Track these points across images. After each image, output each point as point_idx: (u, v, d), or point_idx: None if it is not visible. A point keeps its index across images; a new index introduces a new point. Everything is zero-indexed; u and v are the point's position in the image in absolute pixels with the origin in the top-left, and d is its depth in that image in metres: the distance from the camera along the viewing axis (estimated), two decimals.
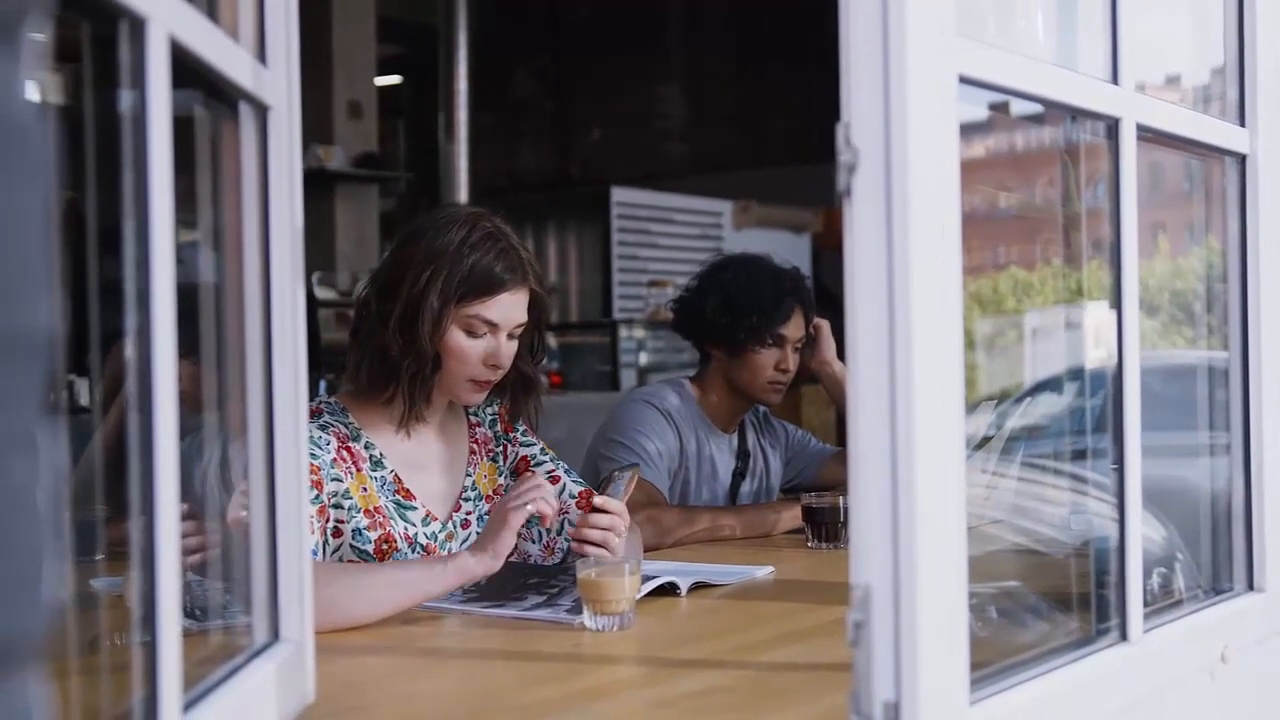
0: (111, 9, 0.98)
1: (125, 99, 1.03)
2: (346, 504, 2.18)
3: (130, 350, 1.03)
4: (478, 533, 2.33)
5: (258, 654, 1.36)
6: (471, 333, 2.23)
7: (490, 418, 2.47)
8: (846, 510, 2.71)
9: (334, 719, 1.49)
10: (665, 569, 2.23)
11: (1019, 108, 1.59)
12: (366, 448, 2.27)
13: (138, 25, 1.01)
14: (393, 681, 1.71)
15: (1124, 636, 1.55)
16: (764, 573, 2.40)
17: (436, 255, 2.21)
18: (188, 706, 1.10)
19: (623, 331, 7.61)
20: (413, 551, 2.25)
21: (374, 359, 2.25)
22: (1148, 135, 1.62)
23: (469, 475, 2.39)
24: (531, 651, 1.82)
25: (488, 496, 2.40)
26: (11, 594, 0.54)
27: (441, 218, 2.28)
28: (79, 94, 1.07)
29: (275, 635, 1.40)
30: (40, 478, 0.56)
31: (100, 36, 1.04)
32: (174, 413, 1.04)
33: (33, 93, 0.58)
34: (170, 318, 1.04)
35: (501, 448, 2.45)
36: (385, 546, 2.21)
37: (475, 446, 2.42)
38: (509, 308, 2.25)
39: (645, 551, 2.67)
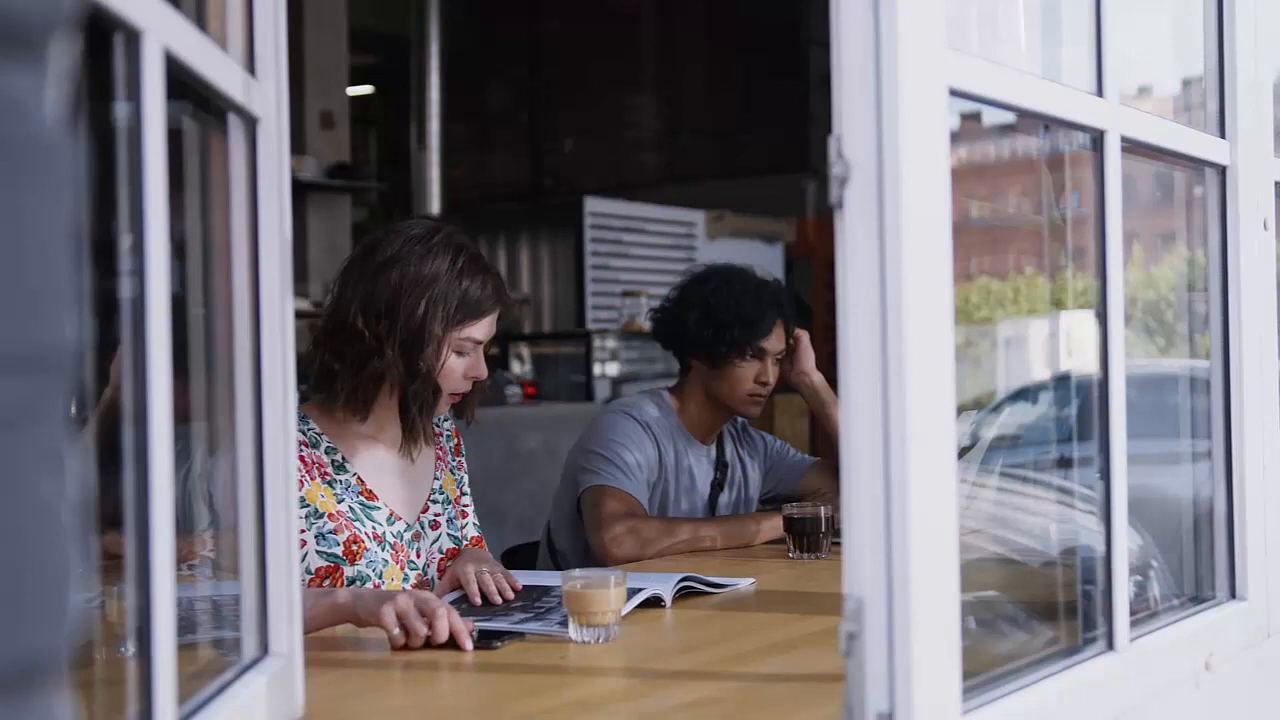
0: (107, 21, 0.97)
1: (120, 110, 1.03)
2: (303, 511, 2.20)
3: (124, 362, 1.03)
4: (447, 534, 2.43)
5: (248, 668, 1.35)
6: (460, 353, 2.32)
7: (446, 433, 2.55)
8: (828, 520, 2.72)
9: None
10: (648, 580, 2.23)
11: (990, 118, 1.60)
12: (328, 453, 2.31)
13: (133, 37, 1.00)
14: (380, 695, 1.70)
15: (1111, 645, 1.56)
16: (746, 584, 2.40)
17: (429, 283, 2.27)
18: None
19: (596, 342, 7.60)
20: (382, 550, 2.29)
21: (371, 383, 2.29)
22: (1130, 147, 1.63)
23: (436, 479, 2.46)
24: (518, 664, 1.81)
25: (454, 501, 2.49)
26: (42, 613, 0.54)
27: (414, 240, 2.31)
28: (72, 105, 1.07)
29: (265, 649, 1.39)
30: (66, 495, 0.56)
31: (93, 47, 1.03)
32: (168, 425, 1.04)
33: (58, 109, 0.58)
34: (165, 329, 1.03)
35: (456, 463, 2.55)
36: (354, 547, 2.26)
37: (440, 454, 2.50)
38: (491, 325, 2.36)
39: (626, 563, 2.67)
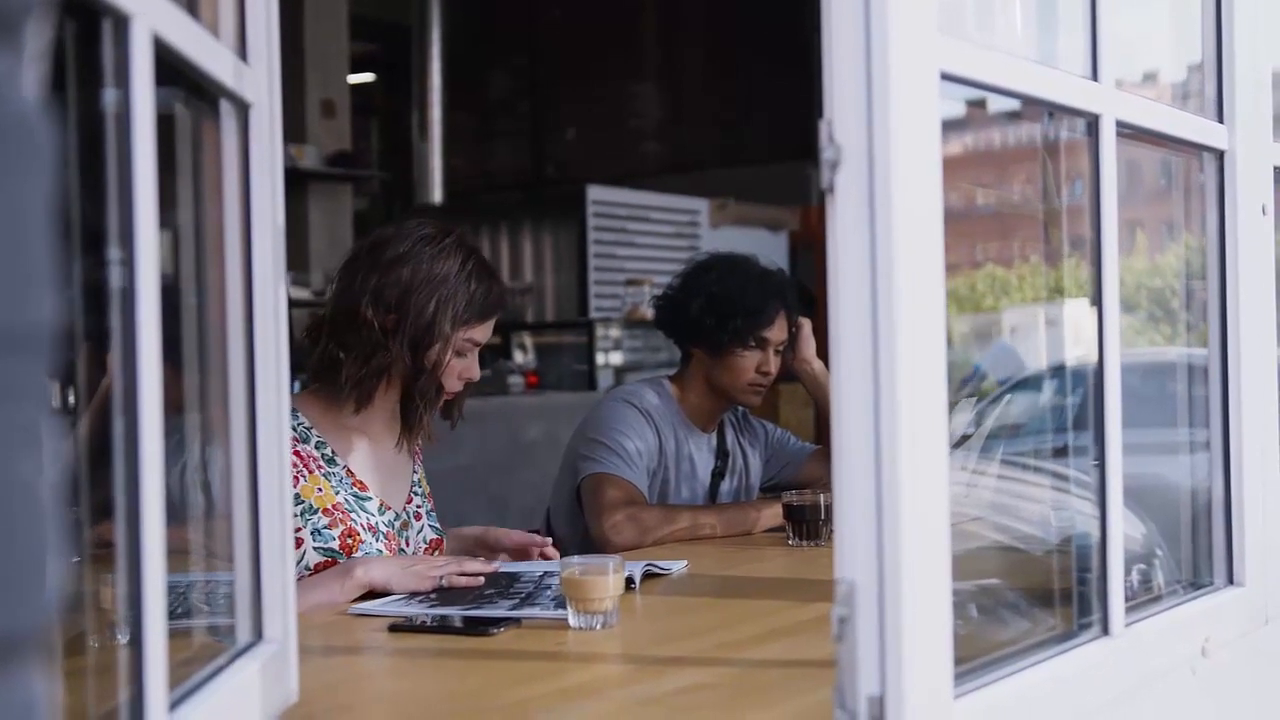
0: (95, 6, 0.97)
1: (108, 96, 1.03)
2: (299, 508, 2.22)
3: (113, 351, 1.03)
4: (430, 525, 2.49)
5: (241, 653, 1.35)
6: (460, 353, 2.36)
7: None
8: (827, 508, 2.72)
9: (317, 719, 1.48)
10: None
11: (996, 105, 1.60)
12: (317, 447, 2.34)
13: (121, 22, 1.00)
14: (376, 681, 1.71)
15: (1106, 630, 1.56)
16: (678, 567, 2.42)
17: (440, 282, 2.31)
18: (173, 706, 1.10)
19: (599, 331, 7.60)
20: (376, 540, 2.33)
21: (376, 375, 2.32)
22: (1127, 132, 1.63)
23: (415, 472, 2.51)
24: (514, 650, 1.81)
25: (428, 495, 2.54)
26: (19, 589, 0.54)
27: (425, 240, 2.34)
28: (60, 91, 1.07)
29: (259, 635, 1.39)
30: (44, 472, 0.56)
31: (82, 33, 1.03)
32: (159, 414, 1.04)
33: (35, 90, 0.58)
34: (155, 318, 1.03)
35: (421, 460, 2.59)
36: (350, 541, 2.29)
37: (417, 449, 2.54)
38: (490, 329, 2.41)
39: (626, 551, 2.68)
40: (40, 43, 0.60)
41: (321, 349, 2.33)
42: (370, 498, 2.36)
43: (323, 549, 2.25)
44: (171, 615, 1.17)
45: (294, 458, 2.26)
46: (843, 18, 1.19)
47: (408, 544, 2.41)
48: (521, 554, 2.47)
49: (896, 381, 1.18)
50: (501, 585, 2.18)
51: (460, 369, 2.37)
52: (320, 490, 2.29)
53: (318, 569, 2.24)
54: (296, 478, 2.25)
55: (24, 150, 0.56)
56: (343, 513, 2.29)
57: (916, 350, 1.21)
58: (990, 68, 1.39)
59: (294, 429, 2.31)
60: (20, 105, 0.56)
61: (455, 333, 2.32)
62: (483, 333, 2.38)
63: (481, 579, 2.19)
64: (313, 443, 2.33)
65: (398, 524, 2.40)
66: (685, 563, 2.46)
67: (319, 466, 2.31)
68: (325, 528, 2.26)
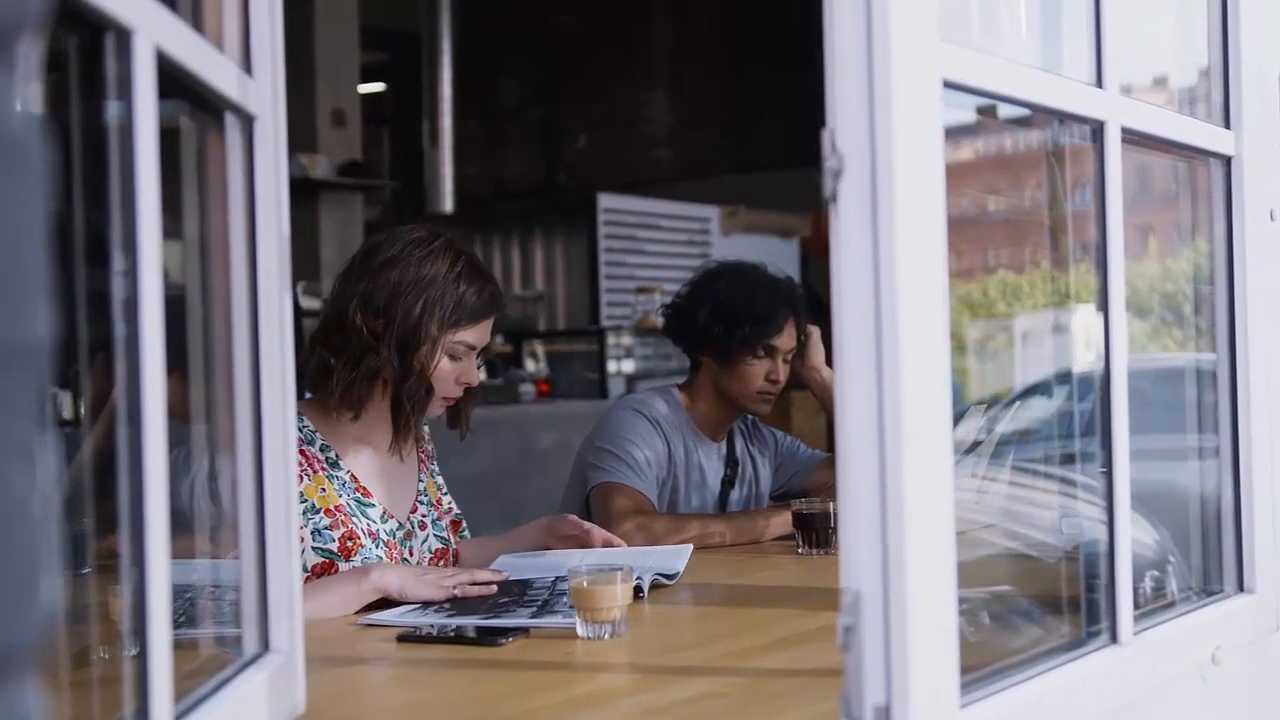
0: (98, 20, 0.98)
1: (111, 110, 1.03)
2: (301, 507, 2.23)
3: (118, 362, 1.03)
4: (434, 535, 2.48)
5: (248, 664, 1.35)
6: (453, 356, 2.36)
7: (425, 438, 2.60)
8: (836, 516, 2.71)
9: None
10: (607, 559, 2.28)
11: (1006, 111, 1.60)
12: (322, 450, 2.35)
13: (124, 36, 1.01)
14: (383, 692, 1.71)
15: (1114, 638, 1.55)
16: (685, 554, 2.45)
17: (428, 284, 2.31)
18: (179, 717, 1.10)
19: (610, 339, 7.59)
20: (376, 546, 2.33)
21: (366, 379, 2.32)
22: (1133, 138, 1.62)
23: (420, 481, 2.51)
24: (523, 660, 1.81)
25: (435, 504, 2.53)
26: (13, 603, 0.54)
27: (415, 243, 2.35)
28: (64, 104, 1.07)
29: (265, 646, 1.40)
30: (38, 488, 0.56)
31: (86, 47, 1.04)
32: (162, 425, 1.04)
33: (29, 104, 0.58)
34: (159, 329, 1.04)
35: (434, 468, 2.59)
36: (349, 544, 2.30)
37: (423, 457, 2.55)
38: (485, 332, 2.40)
39: None
40: (34, 59, 0.60)
41: (316, 357, 2.34)
42: (374, 505, 2.37)
43: (322, 549, 2.26)
44: (177, 624, 1.17)
45: (299, 457, 2.27)
46: (844, 25, 1.19)
47: (411, 554, 2.41)
48: (581, 543, 2.50)
49: (900, 389, 1.18)
50: (515, 594, 2.18)
51: (457, 373, 2.36)
52: (324, 490, 2.30)
53: (316, 570, 2.24)
54: (300, 476, 2.26)
55: (18, 166, 0.56)
56: (344, 515, 2.30)
57: (920, 358, 1.20)
58: (993, 75, 1.39)
59: (299, 431, 2.32)
60: (14, 122, 0.56)
61: (444, 335, 2.32)
62: (475, 335, 2.37)
63: (494, 588, 2.19)
64: (317, 445, 2.34)
65: (400, 533, 2.40)
66: (690, 546, 2.48)
67: (323, 468, 2.32)
68: (326, 528, 2.27)
